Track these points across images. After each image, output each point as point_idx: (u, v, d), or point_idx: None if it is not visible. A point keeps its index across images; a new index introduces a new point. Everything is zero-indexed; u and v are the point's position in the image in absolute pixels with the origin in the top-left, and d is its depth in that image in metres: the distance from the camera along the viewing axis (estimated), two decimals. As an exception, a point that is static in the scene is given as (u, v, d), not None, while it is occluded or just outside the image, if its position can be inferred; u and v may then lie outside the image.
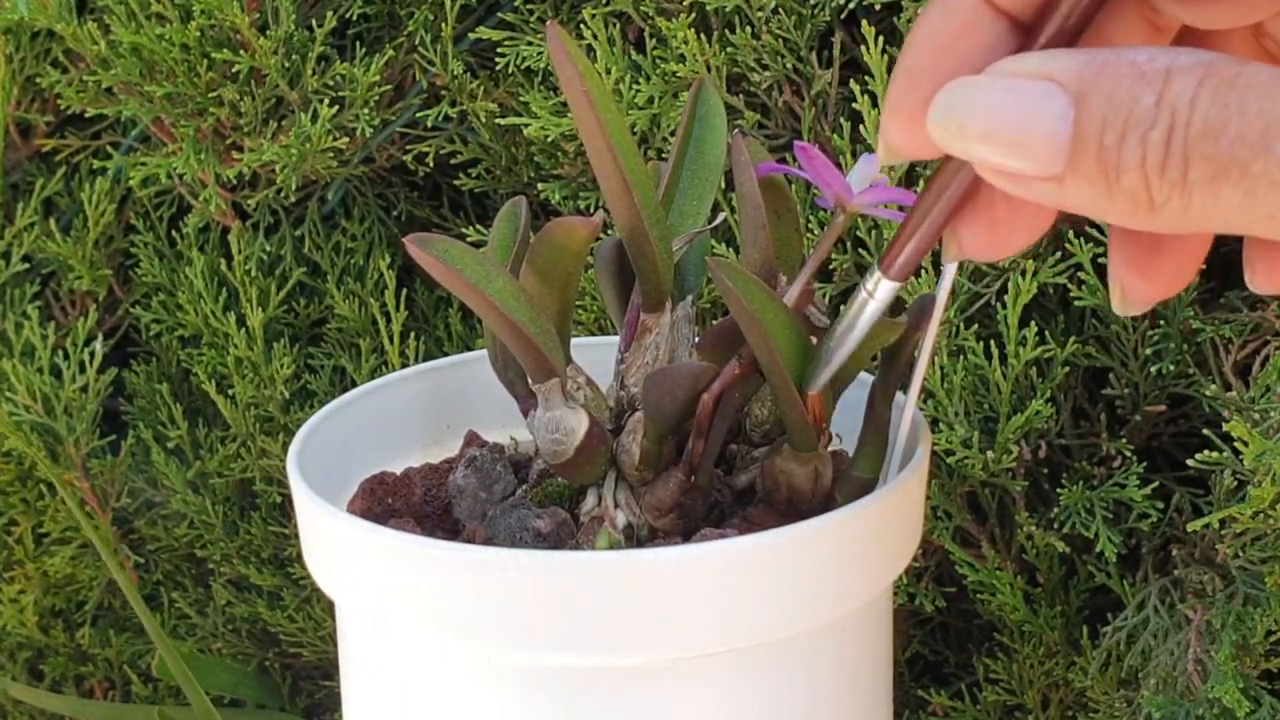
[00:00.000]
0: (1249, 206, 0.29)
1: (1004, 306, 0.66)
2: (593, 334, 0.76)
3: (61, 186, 0.94)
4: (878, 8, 0.69)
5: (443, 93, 0.81)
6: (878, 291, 0.41)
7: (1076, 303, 0.67)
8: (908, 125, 0.33)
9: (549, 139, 0.75)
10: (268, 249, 0.87)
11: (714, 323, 0.52)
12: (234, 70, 0.79)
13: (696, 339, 0.51)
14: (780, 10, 0.70)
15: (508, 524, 0.49)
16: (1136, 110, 0.29)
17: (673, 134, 0.72)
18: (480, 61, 0.82)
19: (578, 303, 0.76)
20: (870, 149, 0.67)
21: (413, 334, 0.83)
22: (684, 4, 0.72)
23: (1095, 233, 0.66)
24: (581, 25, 0.74)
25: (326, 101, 0.78)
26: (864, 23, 0.67)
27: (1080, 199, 0.30)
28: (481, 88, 0.80)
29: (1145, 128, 0.29)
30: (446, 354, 0.85)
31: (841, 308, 0.44)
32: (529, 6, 0.78)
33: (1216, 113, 0.28)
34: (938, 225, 0.38)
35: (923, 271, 0.68)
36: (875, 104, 0.67)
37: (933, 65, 0.33)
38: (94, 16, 0.83)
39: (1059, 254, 0.67)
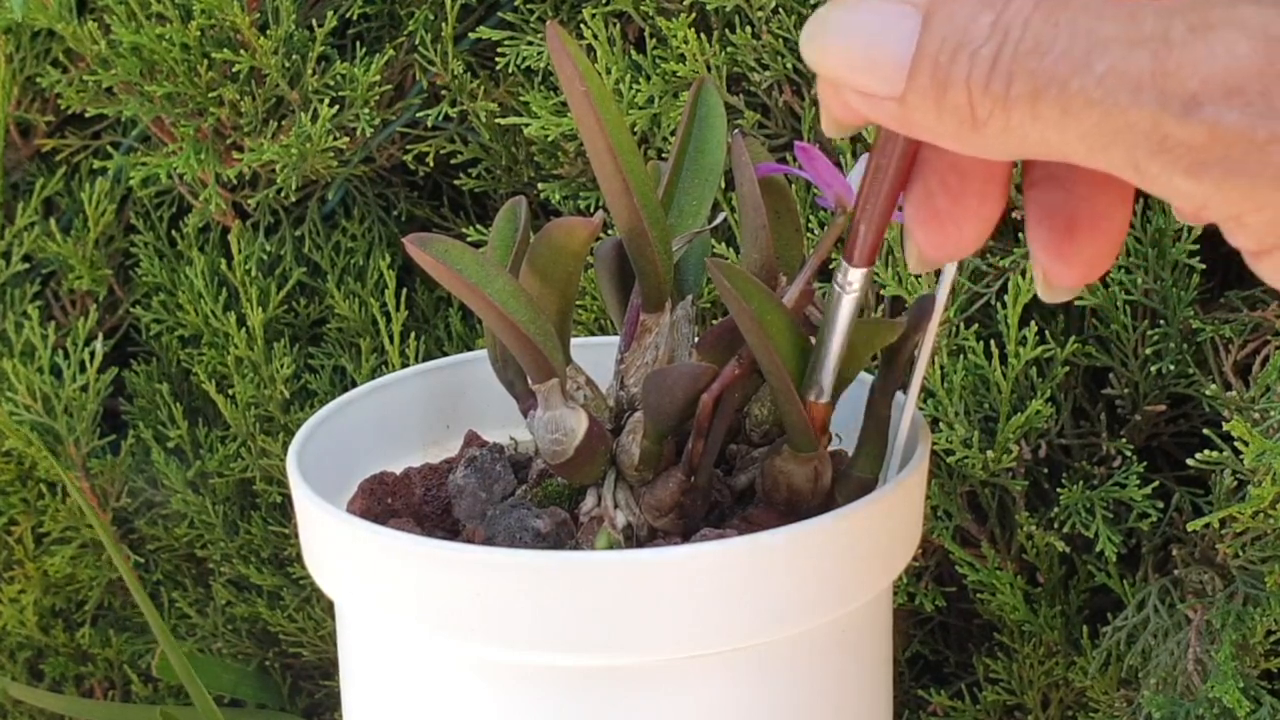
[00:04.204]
0: (1063, 125, 0.29)
1: (1004, 306, 0.66)
2: (593, 334, 0.76)
3: (61, 186, 0.94)
4: (878, 8, 0.69)
5: (443, 92, 0.81)
6: (848, 282, 0.42)
7: (1076, 303, 0.67)
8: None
9: (549, 139, 0.75)
10: (268, 249, 0.87)
11: (714, 323, 0.52)
12: (234, 70, 0.79)
13: (696, 339, 0.51)
14: (780, 10, 0.70)
15: (508, 524, 0.49)
16: (973, 29, 0.30)
17: (673, 134, 0.72)
18: (480, 61, 0.82)
19: (578, 303, 0.76)
20: (870, 149, 0.67)
21: (413, 334, 0.83)
22: (684, 4, 0.72)
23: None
24: (581, 25, 0.74)
25: (327, 101, 0.78)
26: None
27: (916, 118, 0.31)
28: (481, 88, 0.80)
29: (977, 45, 0.30)
30: (446, 354, 0.85)
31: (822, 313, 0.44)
32: (529, 6, 0.78)
33: (1047, 31, 0.29)
34: (887, 203, 0.38)
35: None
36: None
37: None
38: (94, 16, 0.83)
39: (1059, 254, 0.67)
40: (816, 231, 0.68)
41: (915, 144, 0.37)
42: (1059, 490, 0.67)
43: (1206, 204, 0.29)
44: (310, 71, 0.79)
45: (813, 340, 0.47)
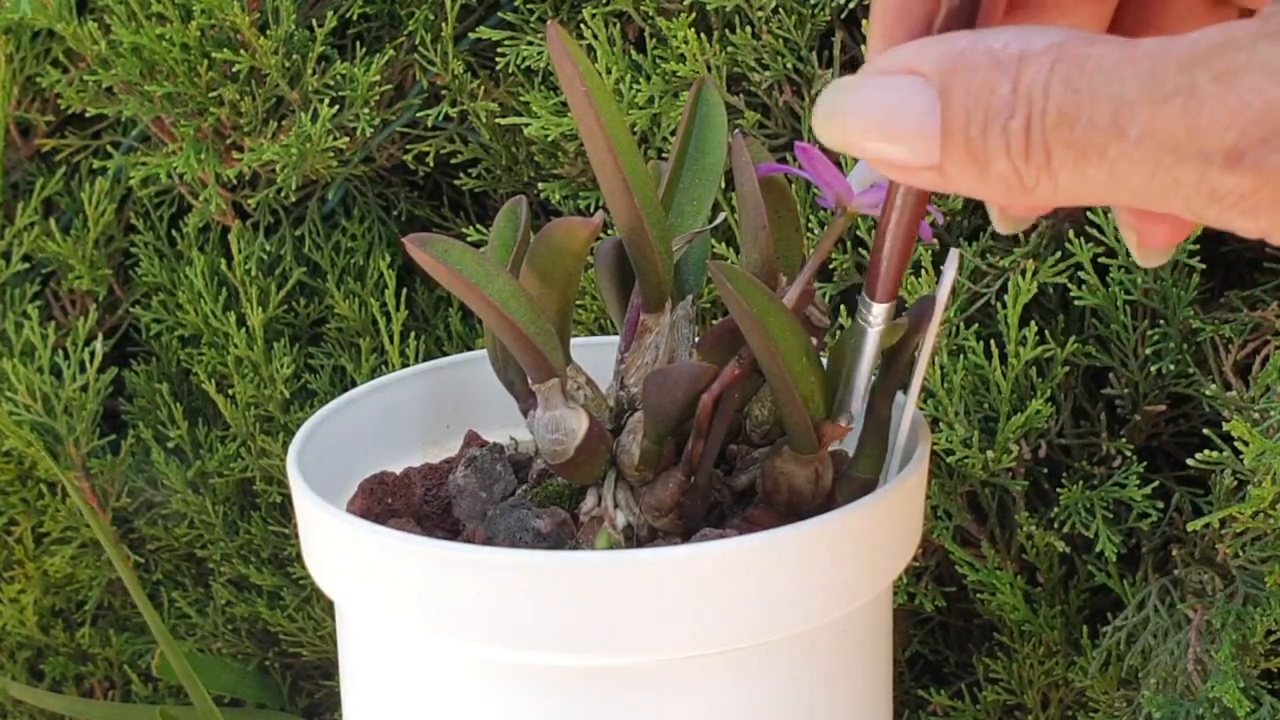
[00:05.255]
0: (1113, 185, 0.30)
1: (1004, 306, 0.66)
2: (593, 334, 0.76)
3: (61, 186, 0.94)
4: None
5: (443, 92, 0.81)
6: (874, 317, 0.43)
7: (1076, 303, 0.67)
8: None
9: (549, 139, 0.75)
10: (268, 249, 0.87)
11: (714, 323, 0.52)
12: (234, 70, 0.79)
13: (696, 339, 0.51)
14: (780, 10, 0.70)
15: (508, 524, 0.49)
16: (994, 101, 0.30)
17: (673, 134, 0.72)
18: (480, 61, 0.82)
19: (578, 303, 0.76)
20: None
21: (413, 334, 0.83)
22: (684, 4, 0.72)
23: (1095, 232, 0.66)
24: (581, 25, 0.74)
25: (327, 101, 0.78)
26: (864, 22, 0.67)
27: (961, 185, 0.31)
28: (481, 87, 0.80)
29: (1005, 118, 0.30)
30: (446, 354, 0.85)
31: (843, 334, 0.45)
32: (529, 6, 0.78)
33: (1069, 98, 0.29)
34: (907, 238, 0.39)
35: (923, 271, 0.68)
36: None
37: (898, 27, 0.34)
38: (94, 16, 0.83)
39: (1059, 254, 0.67)
40: (816, 231, 0.68)
41: None
42: (1059, 490, 0.67)
43: (1266, 235, 0.30)
44: (310, 71, 0.79)
45: (814, 340, 0.47)
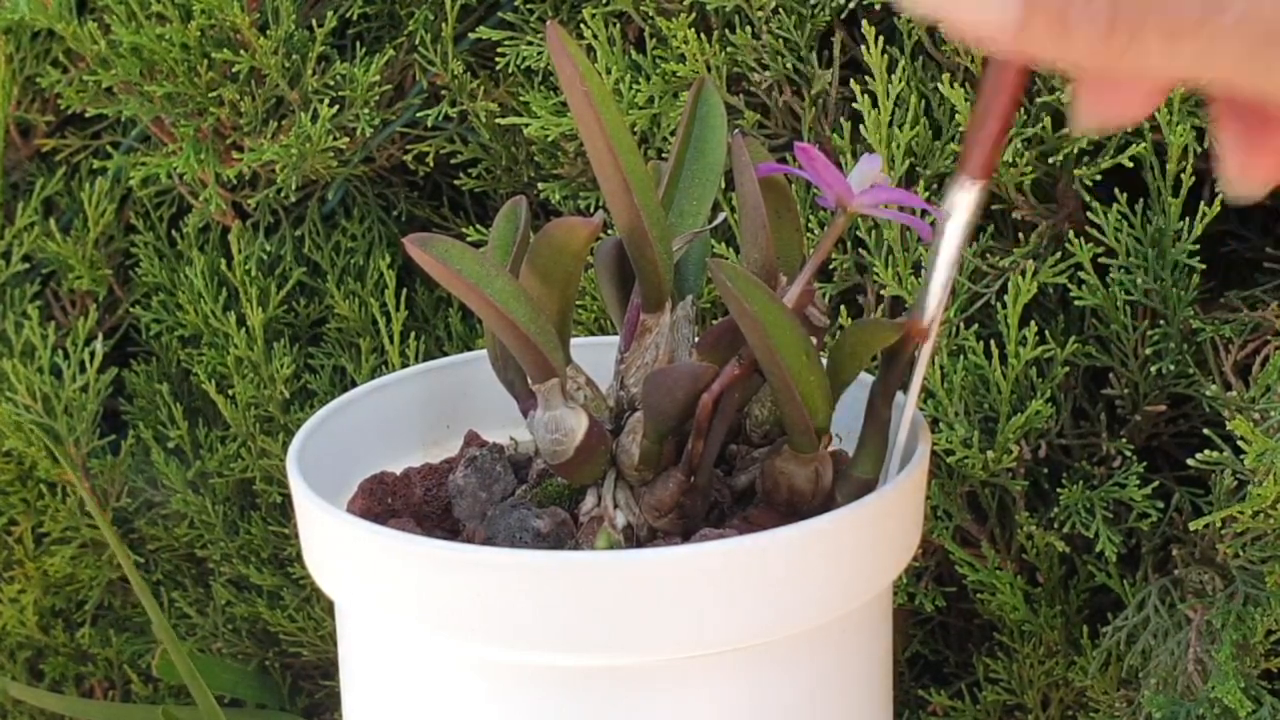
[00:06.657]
0: (1202, 63, 0.30)
1: (1004, 306, 0.66)
2: (593, 334, 0.76)
3: (61, 186, 0.94)
4: (878, 8, 0.69)
5: (443, 92, 0.81)
6: (959, 199, 0.42)
7: (1076, 303, 0.67)
8: None
9: (549, 139, 0.75)
10: (268, 249, 0.87)
11: (714, 323, 0.52)
12: (234, 70, 0.79)
13: (696, 339, 0.51)
14: (780, 10, 0.70)
15: (508, 524, 0.49)
16: None
17: (673, 134, 0.72)
18: (480, 61, 0.82)
19: (578, 303, 0.76)
20: (870, 149, 0.67)
21: (413, 334, 0.83)
22: (684, 4, 0.72)
23: (1095, 233, 0.66)
24: (581, 25, 0.74)
25: (326, 101, 0.78)
26: (864, 23, 0.67)
27: (1039, 51, 0.32)
28: (481, 88, 0.80)
29: None
30: (446, 354, 0.85)
31: (932, 239, 0.44)
32: (529, 6, 0.78)
33: None
34: (1002, 119, 0.39)
35: (922, 271, 0.68)
36: (875, 104, 0.67)
37: None
38: (94, 16, 0.83)
39: (1059, 254, 0.67)
40: (816, 231, 0.68)
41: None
42: (1059, 490, 0.67)
43: None
44: (310, 71, 0.79)
45: (814, 340, 0.47)
